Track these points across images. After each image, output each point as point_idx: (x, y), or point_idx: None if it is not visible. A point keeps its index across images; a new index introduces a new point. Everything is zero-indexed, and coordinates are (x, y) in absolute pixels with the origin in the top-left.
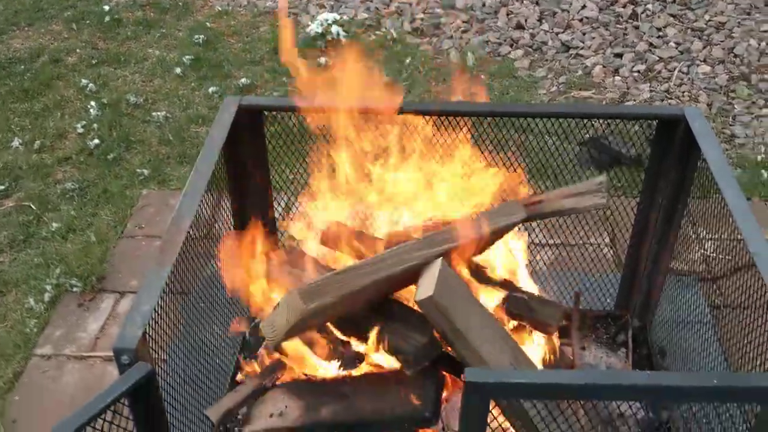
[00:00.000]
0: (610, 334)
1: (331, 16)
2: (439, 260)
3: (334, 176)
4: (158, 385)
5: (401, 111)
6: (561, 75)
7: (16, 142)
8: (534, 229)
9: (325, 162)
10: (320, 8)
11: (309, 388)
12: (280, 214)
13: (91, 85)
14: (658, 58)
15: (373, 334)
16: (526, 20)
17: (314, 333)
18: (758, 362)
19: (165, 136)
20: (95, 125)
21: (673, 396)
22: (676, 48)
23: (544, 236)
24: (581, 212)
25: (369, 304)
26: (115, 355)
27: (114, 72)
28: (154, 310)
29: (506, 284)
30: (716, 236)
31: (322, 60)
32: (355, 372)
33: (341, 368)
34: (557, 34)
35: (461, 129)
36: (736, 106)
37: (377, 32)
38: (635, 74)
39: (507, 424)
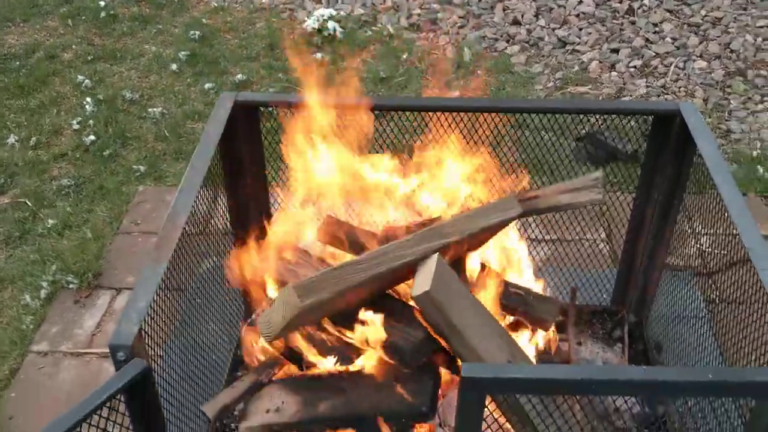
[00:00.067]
0: (606, 329)
1: (328, 12)
2: (436, 256)
3: (327, 173)
4: (154, 381)
5: (401, 108)
6: (557, 70)
7: (11, 139)
8: (530, 225)
9: (318, 158)
10: (317, 3)
11: (306, 384)
12: (276, 210)
13: (86, 81)
14: (654, 54)
15: (369, 330)
16: (522, 16)
17: (311, 328)
18: (753, 357)
19: (161, 133)
20: (91, 121)
21: (669, 391)
22: (673, 43)
23: (540, 232)
24: (577, 208)
25: (365, 300)
26: (111, 351)
27: (110, 68)
28: (150, 306)
29: (502, 280)
30: (712, 231)
31: (318, 56)
32: (352, 368)
33: (338, 364)
34: (554, 29)
35: (457, 125)
36: (732, 102)
37: (374, 28)
38: (631, 70)
39: (503, 420)
